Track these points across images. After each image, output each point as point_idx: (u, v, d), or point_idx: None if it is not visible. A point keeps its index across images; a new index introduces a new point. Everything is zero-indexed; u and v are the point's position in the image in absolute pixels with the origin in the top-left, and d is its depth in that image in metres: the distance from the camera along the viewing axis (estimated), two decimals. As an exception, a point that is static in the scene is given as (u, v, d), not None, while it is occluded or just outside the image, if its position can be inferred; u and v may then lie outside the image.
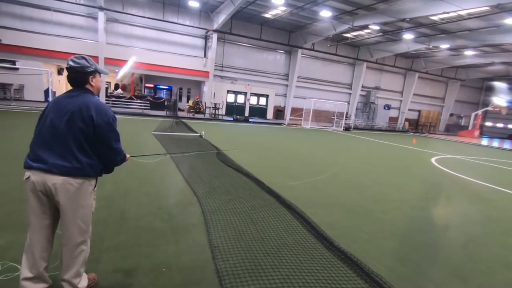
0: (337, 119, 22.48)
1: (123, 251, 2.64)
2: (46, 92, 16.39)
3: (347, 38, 21.97)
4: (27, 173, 1.80)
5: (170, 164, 6.01)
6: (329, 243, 3.10)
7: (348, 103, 26.44)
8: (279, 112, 24.12)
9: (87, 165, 1.83)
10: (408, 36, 19.14)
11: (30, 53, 16.27)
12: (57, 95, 18.23)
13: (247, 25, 21.15)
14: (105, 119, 1.84)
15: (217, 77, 21.45)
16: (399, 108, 29.64)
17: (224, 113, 21.10)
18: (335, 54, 23.40)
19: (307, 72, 24.38)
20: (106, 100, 17.89)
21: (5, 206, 3.29)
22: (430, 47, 20.81)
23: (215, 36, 19.68)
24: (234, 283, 2.28)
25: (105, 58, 17.39)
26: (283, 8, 17.39)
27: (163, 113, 17.81)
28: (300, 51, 22.53)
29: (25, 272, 1.82)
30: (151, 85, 21.60)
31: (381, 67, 27.09)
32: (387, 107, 27.82)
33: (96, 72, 1.92)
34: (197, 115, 19.26)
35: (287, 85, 24.19)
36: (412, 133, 25.55)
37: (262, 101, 23.53)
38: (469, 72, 28.89)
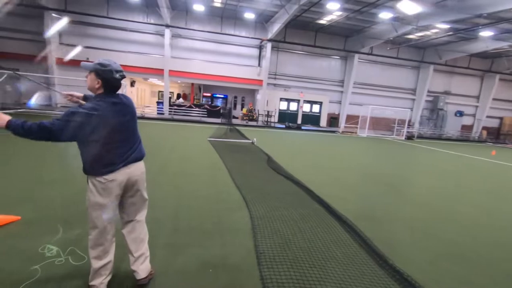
0: (398, 127, 20.80)
1: (175, 249, 2.83)
2: (121, 102, 18.65)
3: (410, 39, 20.35)
4: (111, 176, 1.99)
5: (222, 169, 6.26)
6: (383, 260, 2.86)
7: (412, 110, 24.31)
8: (333, 120, 23.35)
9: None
10: (486, 33, 16.91)
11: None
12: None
13: (301, 33, 21.13)
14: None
15: (270, 85, 21.80)
16: (474, 115, 26.15)
17: (276, 120, 21.26)
18: (397, 58, 21.84)
19: (364, 78, 23.21)
20: (169, 108, 19.56)
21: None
22: (515, 44, 18.04)
23: (269, 45, 20.10)
24: (277, 292, 2.26)
25: (170, 71, 19.10)
26: (339, 13, 16.96)
27: (218, 120, 18.71)
28: (357, 56, 21.62)
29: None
30: (209, 94, 22.94)
31: (452, 70, 24.34)
32: (459, 113, 24.78)
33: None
34: (250, 123, 19.77)
35: (342, 92, 23.35)
36: (492, 144, 22.21)
37: (316, 108, 23.10)
38: None
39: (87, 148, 1.91)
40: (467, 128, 25.81)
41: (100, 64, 1.98)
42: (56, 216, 3.27)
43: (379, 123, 23.27)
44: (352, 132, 20.16)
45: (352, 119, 22.42)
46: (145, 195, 2.24)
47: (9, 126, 1.71)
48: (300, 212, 4.01)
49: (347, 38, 22.13)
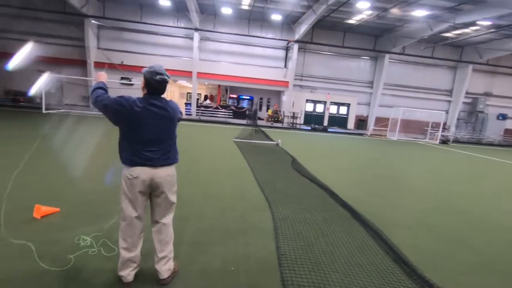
0: (431, 131, 19.69)
1: (198, 247, 2.90)
2: (151, 103, 19.45)
3: (446, 38, 19.19)
4: (136, 172, 2.13)
5: (246, 170, 6.31)
6: (411, 269, 2.73)
7: (447, 112, 22.92)
8: (361, 122, 22.64)
9: (176, 155, 2.30)
10: (534, 29, 15.52)
11: (142, 71, 19.65)
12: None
13: (329, 33, 20.76)
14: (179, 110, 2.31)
15: (296, 86, 21.63)
16: (519, 118, 24.06)
17: (302, 122, 21.03)
18: (431, 57, 20.71)
19: (395, 79, 22.26)
20: (196, 109, 20.09)
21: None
22: None
23: (296, 47, 19.96)
24: (298, 294, 2.24)
25: (198, 73, 19.63)
26: (369, 12, 16.44)
27: (244, 121, 18.88)
28: (387, 56, 20.81)
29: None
30: (235, 96, 23.23)
31: (494, 69, 22.61)
32: (502, 117, 22.93)
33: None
34: (275, 124, 19.73)
35: (371, 93, 22.58)
36: (540, 150, 20.27)
37: (343, 110, 22.54)
38: None
39: (120, 137, 2.15)
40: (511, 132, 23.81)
41: (148, 67, 2.18)
42: (91, 209, 3.49)
43: (410, 126, 22.18)
44: (381, 135, 19.41)
45: (381, 121, 21.57)
46: (172, 198, 2.25)
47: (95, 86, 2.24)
48: (324, 215, 3.94)
49: (377, 38, 21.39)
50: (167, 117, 2.17)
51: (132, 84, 19.74)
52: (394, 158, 10.55)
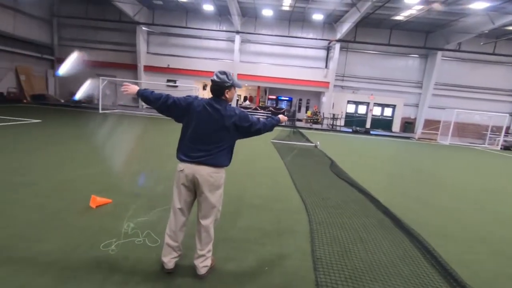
0: (491, 135, 17.70)
1: (235, 244, 2.98)
2: (194, 104, 20.36)
3: (511, 32, 17.12)
4: (181, 166, 2.31)
5: (283, 171, 6.30)
6: (461, 286, 2.50)
7: (511, 115, 20.45)
8: (407, 125, 21.20)
9: (224, 160, 2.36)
10: None
11: (186, 73, 20.73)
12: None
13: (374, 31, 19.80)
14: (244, 120, 2.36)
15: (337, 87, 20.99)
16: None
17: (343, 124, 20.34)
18: (493, 54, 18.62)
19: (448, 78, 20.46)
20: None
21: (164, 189, 4.31)
22: None
23: (337, 46, 19.39)
24: (333, 300, 2.19)
25: (238, 74, 20.05)
26: (419, 7, 15.34)
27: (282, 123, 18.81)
28: (440, 53, 19.21)
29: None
30: (274, 97, 23.27)
31: None
32: None
33: (232, 86, 2.32)
34: (314, 126, 19.36)
35: (420, 94, 21.03)
36: None
37: (388, 112, 21.31)
38: None
39: (180, 134, 2.36)
40: None
41: (230, 78, 2.33)
42: (140, 202, 3.78)
43: (466, 130, 20.21)
44: (431, 139, 17.96)
45: (431, 124, 19.95)
46: (212, 200, 2.29)
47: (139, 93, 2.34)
48: (363, 221, 3.78)
49: (428, 34, 19.86)
50: (216, 120, 2.24)
51: (177, 86, 20.88)
52: (445, 165, 9.70)
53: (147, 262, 2.50)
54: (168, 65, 20.85)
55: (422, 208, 4.65)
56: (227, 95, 2.31)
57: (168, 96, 2.32)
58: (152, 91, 2.36)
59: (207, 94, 24.72)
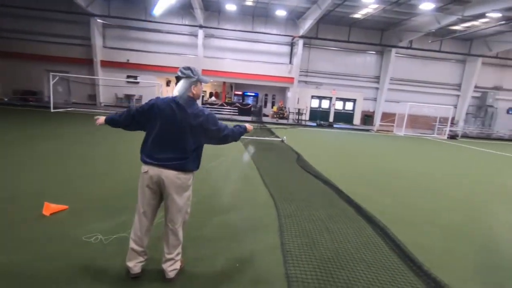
0: (439, 126, 19.40)
1: (204, 242, 2.93)
2: (157, 101, 19.57)
3: (454, 31, 18.78)
4: (145, 168, 2.19)
5: (252, 167, 6.33)
6: (417, 266, 2.72)
7: (455, 107, 22.55)
8: (367, 118, 22.43)
9: (191, 163, 2.23)
10: (546, 21, 15.10)
11: (148, 69, 19.82)
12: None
13: (334, 28, 20.54)
14: (212, 123, 2.23)
15: (301, 82, 21.50)
16: (530, 112, 23.55)
17: (307, 118, 20.93)
18: (439, 51, 20.31)
19: (402, 73, 21.96)
20: (202, 107, 20.14)
21: (129, 192, 4.09)
22: None
23: (300, 42, 19.82)
24: (303, 291, 2.25)
25: (203, 70, 19.62)
26: (375, 6, 16.20)
27: (249, 118, 18.88)
28: (394, 50, 20.53)
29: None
30: (240, 93, 23.21)
31: (504, 63, 22.12)
32: (512, 111, 22.49)
33: (198, 81, 2.23)
34: (280, 121, 19.69)
35: (377, 88, 22.33)
36: (551, 144, 19.84)
37: (349, 106, 22.34)
38: None
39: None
40: (522, 127, 23.31)
41: (195, 73, 2.24)
42: (100, 206, 3.55)
43: (418, 121, 21.90)
44: (388, 131, 19.22)
45: (388, 117, 21.33)
46: (179, 202, 2.18)
47: (106, 121, 2.37)
48: (329, 212, 3.93)
49: (383, 32, 21.09)
50: (184, 120, 2.11)
51: (138, 82, 19.90)
52: (401, 154, 10.44)
53: (111, 268, 2.36)
54: (128, 60, 19.77)
55: (381, 196, 4.96)
56: (193, 91, 2.22)
57: (129, 108, 2.28)
58: (116, 112, 2.35)
59: (170, 91, 23.91)
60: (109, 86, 19.53)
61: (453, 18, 15.42)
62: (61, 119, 12.12)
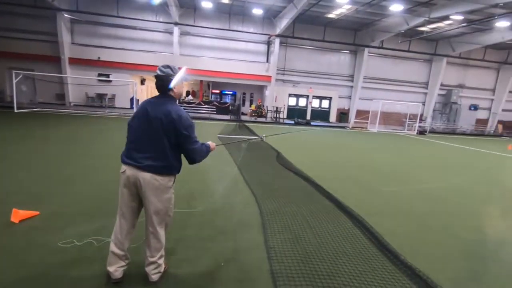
0: (409, 122, 20.41)
1: (188, 243, 2.89)
2: (131, 100, 18.92)
3: (422, 32, 19.82)
4: (123, 167, 2.12)
5: (232, 166, 6.31)
6: (394, 256, 2.86)
7: (424, 104, 23.81)
8: (342, 115, 23.10)
9: (170, 165, 2.12)
10: (502, 23, 16.32)
11: (120, 67, 19.08)
12: (139, 103, 20.53)
13: (310, 27, 20.90)
14: (184, 126, 2.07)
15: (279, 81, 21.70)
16: (489, 109, 25.41)
17: (285, 116, 21.18)
18: (408, 51, 21.34)
19: (374, 72, 22.82)
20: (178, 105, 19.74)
21: (103, 195, 3.93)
22: (533, 34, 17.34)
23: (277, 41, 19.97)
24: (288, 285, 2.29)
25: (179, 68, 19.20)
26: (348, 7, 16.67)
27: (227, 117, 18.79)
28: (366, 50, 21.26)
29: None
30: (217, 91, 23.02)
31: (466, 62, 23.65)
32: (474, 107, 24.13)
33: (181, 80, 2.19)
34: (259, 119, 19.77)
35: (351, 87, 23.03)
36: (508, 138, 21.57)
37: (325, 103, 22.89)
38: None
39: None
40: (482, 122, 25.08)
41: (175, 71, 2.22)
42: (74, 211, 3.38)
43: (390, 118, 22.88)
44: (362, 128, 19.92)
45: (362, 114, 22.12)
46: (157, 205, 2.10)
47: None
48: (310, 208, 4.02)
49: (356, 32, 21.76)
50: (156, 120, 2.03)
51: (110, 81, 19.11)
52: (375, 150, 10.87)
53: (91, 275, 2.27)
54: (99, 57, 18.91)
55: (359, 190, 5.14)
56: (175, 90, 2.18)
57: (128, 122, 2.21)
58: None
59: (145, 89, 23.22)
60: (79, 84, 18.57)
61: (421, 20, 16.24)
62: (26, 120, 11.38)
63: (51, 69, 17.90)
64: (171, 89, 2.15)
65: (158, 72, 2.13)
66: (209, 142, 2.35)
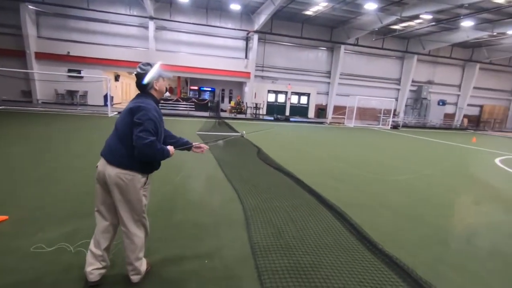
0: (384, 117, 21.22)
1: (171, 242, 2.85)
2: (105, 97, 18.17)
3: (394, 30, 20.60)
4: (99, 162, 2.08)
5: (213, 163, 6.26)
6: (372, 245, 2.98)
7: (396, 100, 24.82)
8: (321, 111, 23.58)
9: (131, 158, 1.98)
10: (467, 23, 17.32)
11: (92, 62, 18.23)
12: (114, 100, 19.71)
13: (288, 24, 21.05)
14: (139, 115, 1.94)
15: (258, 77, 21.71)
16: (456, 104, 26.97)
17: (265, 112, 21.28)
18: (382, 48, 22.12)
19: (350, 69, 23.44)
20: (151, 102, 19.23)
21: (76, 196, 3.75)
22: (494, 34, 18.56)
23: (255, 37, 19.95)
24: (273, 279, 2.32)
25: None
26: (325, 4, 16.96)
27: (206, 114, 18.57)
28: (343, 47, 21.76)
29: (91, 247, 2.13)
30: (196, 88, 22.67)
31: (435, 60, 24.89)
32: (442, 102, 25.49)
33: (160, 76, 2.12)
34: (238, 116, 19.71)
35: (329, 83, 23.53)
36: (472, 131, 23.04)
37: (303, 100, 23.24)
38: (545, 60, 25.13)
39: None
40: (450, 117, 26.61)
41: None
42: (47, 214, 3.22)
43: (365, 113, 23.66)
44: (340, 123, 20.45)
45: (339, 110, 22.70)
46: (127, 206, 2.02)
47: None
48: (292, 202, 4.08)
49: (333, 29, 22.20)
50: (128, 113, 1.99)
51: (82, 77, 18.23)
52: (352, 144, 11.21)
53: (67, 279, 2.17)
54: (68, 52, 17.97)
55: (338, 184, 5.29)
56: (156, 87, 2.11)
57: None
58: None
59: (120, 86, 22.37)
60: (48, 81, 17.56)
61: (393, 18, 16.85)
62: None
63: (16, 64, 16.74)
64: (152, 87, 2.10)
65: (139, 70, 2.06)
66: (169, 147, 2.13)
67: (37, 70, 17.22)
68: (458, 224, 3.88)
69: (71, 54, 17.96)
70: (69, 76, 18.07)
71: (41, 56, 17.57)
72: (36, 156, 5.81)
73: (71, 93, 18.54)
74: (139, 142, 1.88)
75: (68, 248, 2.58)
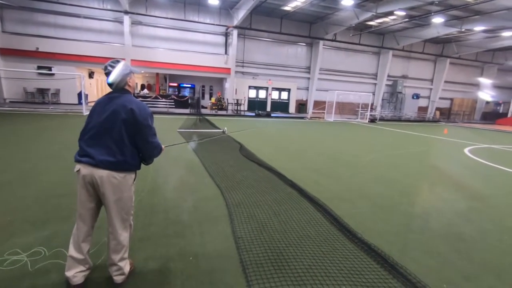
0: (362, 111, 21.82)
1: (153, 241, 2.82)
2: (79, 95, 17.42)
3: (370, 26, 21.17)
4: (77, 166, 1.99)
5: (195, 160, 6.21)
6: (352, 235, 3.09)
7: (374, 94, 25.56)
8: (301, 106, 23.87)
9: (129, 160, 2.02)
10: (437, 20, 18.06)
11: (64, 59, 17.38)
12: (89, 97, 18.89)
13: (267, 20, 21.04)
14: (143, 116, 2.01)
15: (238, 73, 21.61)
16: (429, 97, 28.19)
17: (246, 108, 21.25)
18: (359, 44, 22.63)
19: (329, 64, 23.84)
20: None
21: (50, 199, 3.61)
22: (463, 30, 19.50)
23: (235, 33, 19.79)
24: (257, 272, 2.37)
25: (132, 60, 18.13)
26: (303, 0, 17.08)
27: (187, 111, 18.29)
28: (321, 42, 22.07)
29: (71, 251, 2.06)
30: (175, 84, 22.21)
31: (409, 55, 25.83)
32: (416, 96, 26.54)
33: (131, 72, 2.11)
34: (219, 112, 19.57)
35: (309, 78, 23.83)
36: (444, 123, 24.23)
37: (284, 95, 23.42)
38: (508, 55, 26.73)
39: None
40: (423, 110, 27.80)
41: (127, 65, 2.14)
42: (18, 219, 3.08)
43: (344, 108, 24.21)
44: (320, 117, 20.81)
45: (319, 104, 23.09)
46: (119, 204, 2.02)
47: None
48: (274, 197, 4.15)
49: (311, 25, 22.44)
50: (110, 115, 1.95)
51: (53, 74, 17.37)
52: (332, 138, 11.47)
53: (46, 284, 2.11)
54: (37, 48, 17.02)
55: (319, 177, 5.41)
56: (130, 83, 2.11)
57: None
58: None
59: (94, 83, 21.51)
60: (15, 79, 16.56)
61: (369, 14, 17.27)
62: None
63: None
64: (126, 84, 2.09)
65: (109, 68, 2.02)
66: (161, 146, 2.24)
67: (2, 67, 16.21)
68: (430, 211, 4.10)
69: (40, 50, 17.03)
70: (39, 73, 17.16)
71: (7, 52, 16.54)
72: (4, 158, 5.51)
73: (42, 91, 17.62)
74: (154, 152, 2.14)
75: (45, 252, 2.49)
